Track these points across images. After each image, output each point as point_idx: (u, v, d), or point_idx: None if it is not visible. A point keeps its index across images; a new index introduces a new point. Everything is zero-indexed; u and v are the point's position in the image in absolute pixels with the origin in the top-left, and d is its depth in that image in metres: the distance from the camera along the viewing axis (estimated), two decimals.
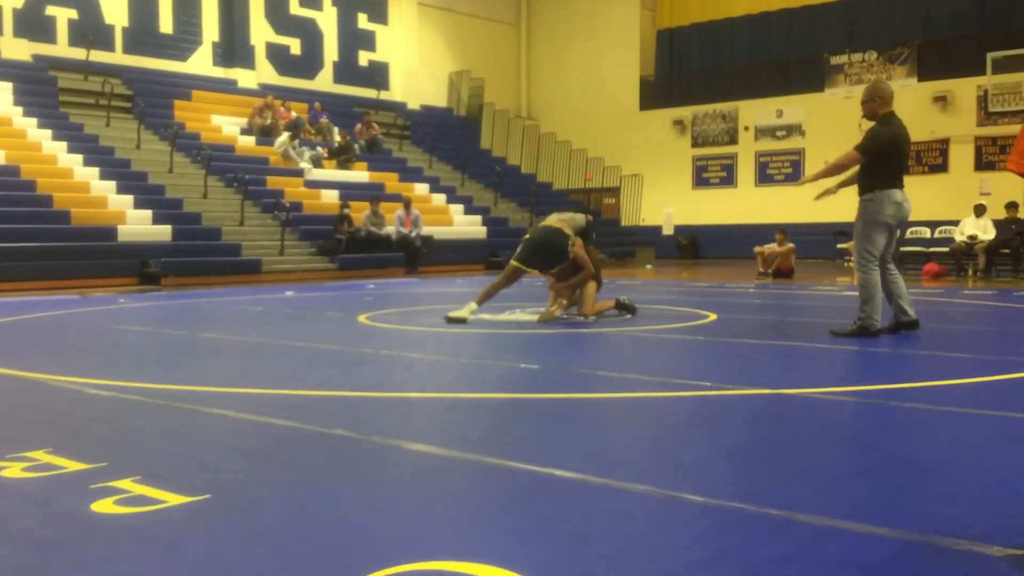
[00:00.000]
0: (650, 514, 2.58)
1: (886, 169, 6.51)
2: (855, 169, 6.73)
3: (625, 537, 2.36)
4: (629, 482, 2.85)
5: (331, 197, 18.89)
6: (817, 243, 21.40)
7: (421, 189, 21.25)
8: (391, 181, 21.05)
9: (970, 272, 15.83)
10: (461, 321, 7.82)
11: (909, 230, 15.15)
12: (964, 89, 21.54)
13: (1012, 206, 15.95)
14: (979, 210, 16.31)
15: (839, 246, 18.87)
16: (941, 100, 21.83)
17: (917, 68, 22.49)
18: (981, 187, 20.69)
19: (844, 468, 3.12)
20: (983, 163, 21.33)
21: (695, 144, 26.10)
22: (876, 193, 6.51)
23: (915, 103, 21.67)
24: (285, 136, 20.15)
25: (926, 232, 18.29)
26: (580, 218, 8.36)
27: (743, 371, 5.42)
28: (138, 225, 15.31)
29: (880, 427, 3.85)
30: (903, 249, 15.69)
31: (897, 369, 5.64)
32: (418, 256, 17.91)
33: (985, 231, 15.93)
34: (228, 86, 22.20)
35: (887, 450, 3.43)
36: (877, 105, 6.67)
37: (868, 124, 6.73)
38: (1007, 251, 15.73)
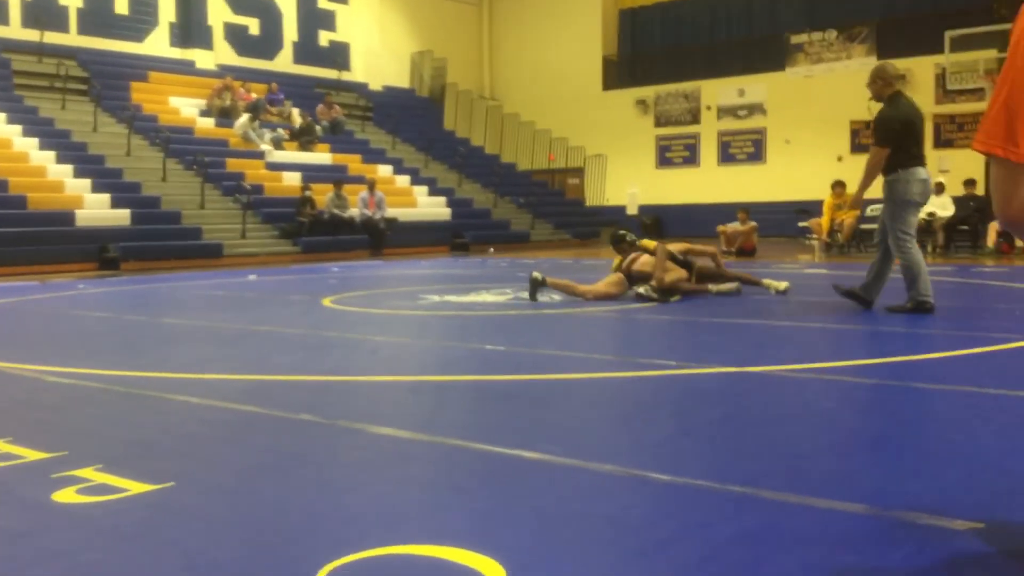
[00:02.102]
0: (616, 493, 2.60)
1: (904, 149, 6.58)
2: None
3: (592, 516, 2.37)
4: (595, 462, 2.87)
5: (293, 179, 18.70)
6: (779, 222, 21.56)
7: (384, 171, 21.10)
8: (354, 163, 20.87)
9: (929, 249, 16.04)
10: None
11: (868, 207, 15.29)
12: (922, 67, 21.74)
13: (970, 183, 16.18)
14: (938, 188, 16.51)
15: (800, 224, 19.03)
16: (900, 78, 22.00)
17: (876, 47, 22.66)
18: (940, 164, 20.94)
19: (807, 444, 3.16)
20: (942, 141, 21.58)
21: (658, 124, 26.15)
22: (900, 173, 6.57)
23: None
24: (245, 118, 19.88)
25: None
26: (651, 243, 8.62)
27: (707, 350, 5.46)
28: (96, 209, 15.07)
29: (843, 404, 3.90)
30: (862, 227, 15.86)
31: (857, 346, 5.71)
32: (382, 238, 17.82)
33: (944, 208, 16.14)
34: (186, 67, 21.83)
35: (850, 426, 3.48)
36: (880, 87, 6.80)
37: (877, 105, 6.80)
38: (965, 227, 15.97)
